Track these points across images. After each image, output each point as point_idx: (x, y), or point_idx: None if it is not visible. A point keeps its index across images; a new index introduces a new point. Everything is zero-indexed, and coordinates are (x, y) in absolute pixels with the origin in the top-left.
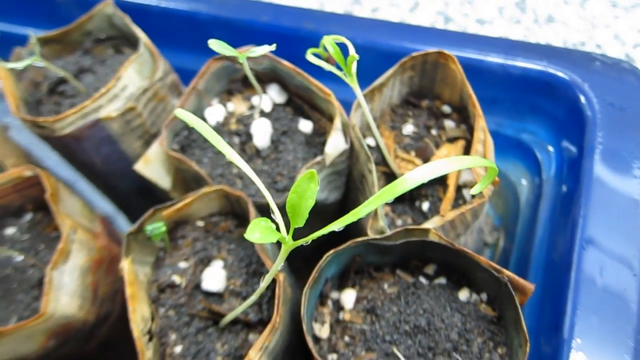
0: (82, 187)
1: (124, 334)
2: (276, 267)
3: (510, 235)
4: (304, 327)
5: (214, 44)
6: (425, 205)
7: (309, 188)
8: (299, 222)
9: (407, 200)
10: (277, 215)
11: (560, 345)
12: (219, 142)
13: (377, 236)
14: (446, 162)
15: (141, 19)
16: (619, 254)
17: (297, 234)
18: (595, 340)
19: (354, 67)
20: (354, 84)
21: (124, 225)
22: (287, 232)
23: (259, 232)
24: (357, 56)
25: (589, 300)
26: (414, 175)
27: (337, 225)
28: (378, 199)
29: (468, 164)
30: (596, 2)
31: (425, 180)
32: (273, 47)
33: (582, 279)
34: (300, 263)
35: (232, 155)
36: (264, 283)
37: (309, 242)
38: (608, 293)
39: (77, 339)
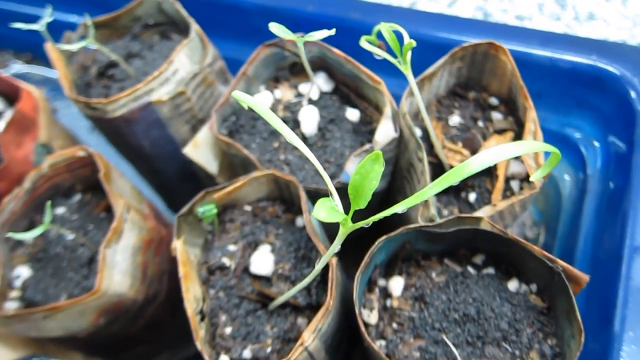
0: (123, 171)
1: (168, 316)
2: (333, 249)
3: (552, 231)
4: (356, 310)
5: (274, 27)
6: (472, 196)
7: (373, 169)
8: (361, 203)
9: (453, 191)
10: (336, 198)
11: (610, 340)
12: (275, 122)
13: (430, 223)
14: (513, 145)
15: (186, 7)
16: None
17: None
18: None
19: (409, 54)
20: (407, 71)
21: (163, 210)
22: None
23: (325, 211)
24: (414, 43)
25: None
26: (480, 159)
27: (401, 207)
28: (444, 180)
29: (536, 148)
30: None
31: (494, 163)
32: (332, 31)
33: (633, 273)
34: (337, 255)
35: (290, 135)
36: (319, 265)
37: (369, 224)
38: None
39: (126, 318)
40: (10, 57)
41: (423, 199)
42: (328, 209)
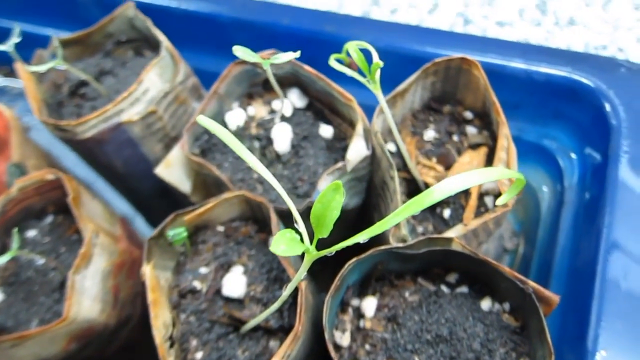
0: (100, 187)
1: (144, 337)
2: (299, 277)
3: (531, 241)
4: (326, 336)
5: (239, 51)
6: (447, 212)
7: (334, 199)
8: (324, 232)
9: (428, 207)
10: (300, 224)
11: (584, 357)
12: (240, 150)
13: (400, 244)
14: (474, 174)
15: (162, 21)
16: None
17: (320, 240)
18: (620, 352)
19: (377, 74)
20: (377, 90)
21: (141, 225)
22: (310, 240)
23: (284, 244)
24: (381, 63)
25: (614, 310)
26: (442, 187)
27: (362, 237)
28: (405, 211)
29: (496, 176)
30: (618, 4)
31: (454, 192)
32: (297, 54)
33: (607, 287)
34: (318, 266)
35: (255, 163)
36: (286, 292)
37: (332, 253)
38: (633, 302)
39: (98, 343)
40: None
41: (385, 229)
42: (288, 242)
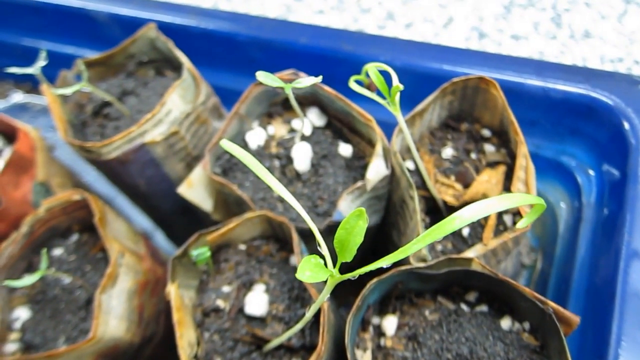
0: (121, 202)
1: (168, 354)
2: (322, 299)
3: (549, 257)
4: (348, 355)
5: (261, 76)
6: (466, 231)
7: (358, 225)
8: (347, 257)
9: None
10: (323, 247)
11: None
12: (262, 173)
13: (421, 265)
14: (496, 201)
15: (183, 40)
16: None
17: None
18: None
19: (397, 96)
20: (397, 112)
21: (162, 241)
22: (334, 263)
23: (309, 270)
24: (401, 86)
25: (635, 329)
26: (464, 214)
27: (386, 262)
28: (427, 237)
29: (518, 202)
30: (634, 17)
31: (476, 219)
32: (319, 79)
33: (627, 305)
34: (338, 283)
35: (276, 185)
36: (309, 313)
37: (356, 277)
38: None
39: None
40: (11, 87)
41: (406, 255)
42: (313, 268)
